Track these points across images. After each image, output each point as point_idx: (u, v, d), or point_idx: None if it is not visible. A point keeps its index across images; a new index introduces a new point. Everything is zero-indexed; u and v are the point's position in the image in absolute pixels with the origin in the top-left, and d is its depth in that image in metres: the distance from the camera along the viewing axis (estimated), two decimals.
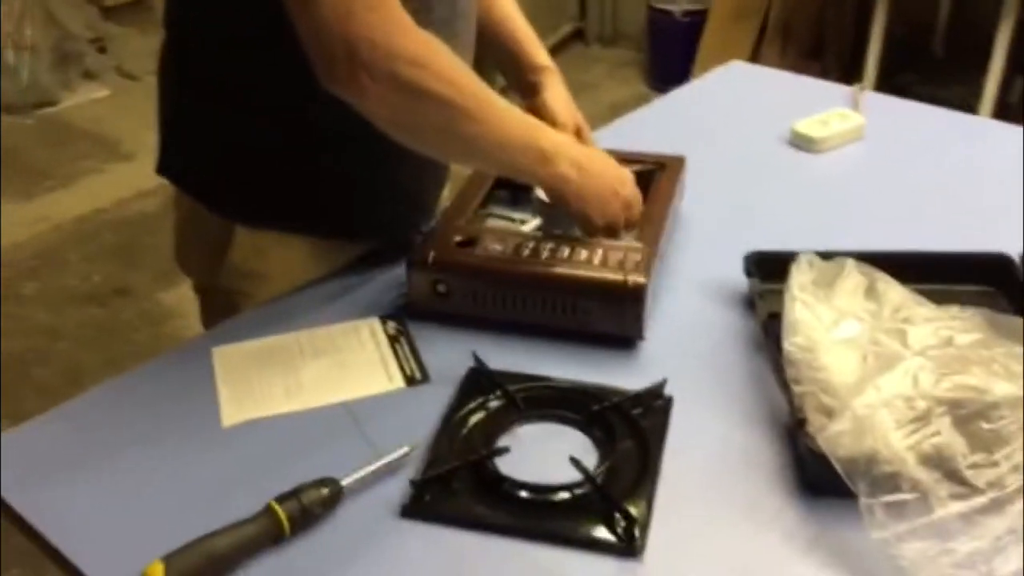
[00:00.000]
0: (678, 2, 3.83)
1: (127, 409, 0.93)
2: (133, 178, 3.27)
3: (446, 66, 0.87)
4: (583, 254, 0.96)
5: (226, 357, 0.97)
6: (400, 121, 0.89)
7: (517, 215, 1.11)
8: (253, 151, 1.02)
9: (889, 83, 3.11)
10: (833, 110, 1.41)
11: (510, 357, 0.94)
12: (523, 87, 1.18)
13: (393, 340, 0.99)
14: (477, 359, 0.92)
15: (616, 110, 3.73)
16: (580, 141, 1.21)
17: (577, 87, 4.37)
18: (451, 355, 0.95)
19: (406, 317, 1.02)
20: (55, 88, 3.83)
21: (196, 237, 1.11)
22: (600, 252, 0.96)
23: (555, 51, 4.25)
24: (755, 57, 3.38)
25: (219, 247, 1.06)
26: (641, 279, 0.93)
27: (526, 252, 0.97)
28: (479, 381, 0.91)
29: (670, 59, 3.81)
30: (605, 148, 1.22)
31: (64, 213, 3.19)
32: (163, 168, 1.10)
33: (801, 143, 1.36)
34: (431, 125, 0.89)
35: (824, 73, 3.31)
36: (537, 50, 1.19)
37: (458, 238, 0.99)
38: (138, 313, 2.72)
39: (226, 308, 1.07)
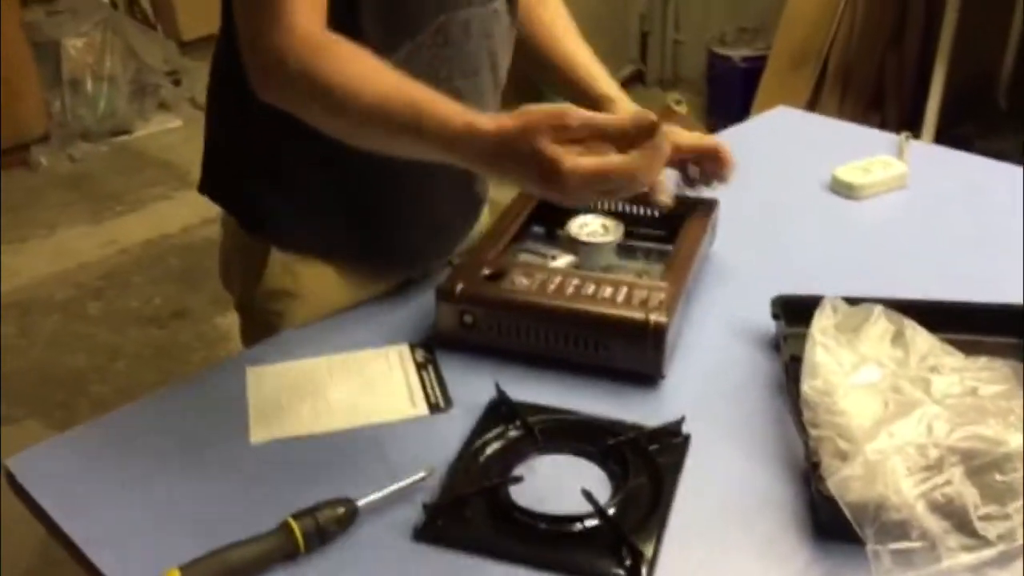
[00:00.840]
0: (737, 47, 3.84)
1: (161, 423, 0.96)
2: (199, 206, 3.35)
3: (324, 73, 0.89)
4: (607, 291, 0.98)
5: (259, 377, 1.01)
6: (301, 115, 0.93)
7: (550, 251, 1.13)
8: (286, 179, 1.06)
9: (949, 135, 3.06)
10: (876, 157, 1.41)
11: (532, 388, 0.96)
12: None
13: (420, 367, 1.01)
14: (499, 390, 0.94)
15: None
16: None
17: None
18: (475, 384, 0.97)
19: (435, 345, 1.04)
20: (131, 117, 3.98)
21: (237, 256, 1.16)
22: (625, 290, 0.98)
23: None
24: (813, 105, 3.37)
25: (257, 267, 1.10)
26: (663, 319, 0.94)
27: (552, 288, 0.99)
28: (500, 411, 0.93)
29: (730, 103, 3.81)
30: None
31: (132, 237, 3.30)
32: (204, 187, 1.15)
33: (841, 189, 1.36)
34: (322, 122, 0.93)
35: (884, 123, 3.28)
36: (601, 82, 1.18)
37: (486, 271, 1.02)
38: (195, 335, 2.80)
39: (263, 327, 1.11)
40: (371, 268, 1.14)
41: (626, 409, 0.93)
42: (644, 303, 0.96)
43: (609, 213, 1.15)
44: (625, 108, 1.15)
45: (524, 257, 1.12)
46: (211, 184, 1.16)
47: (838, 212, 1.34)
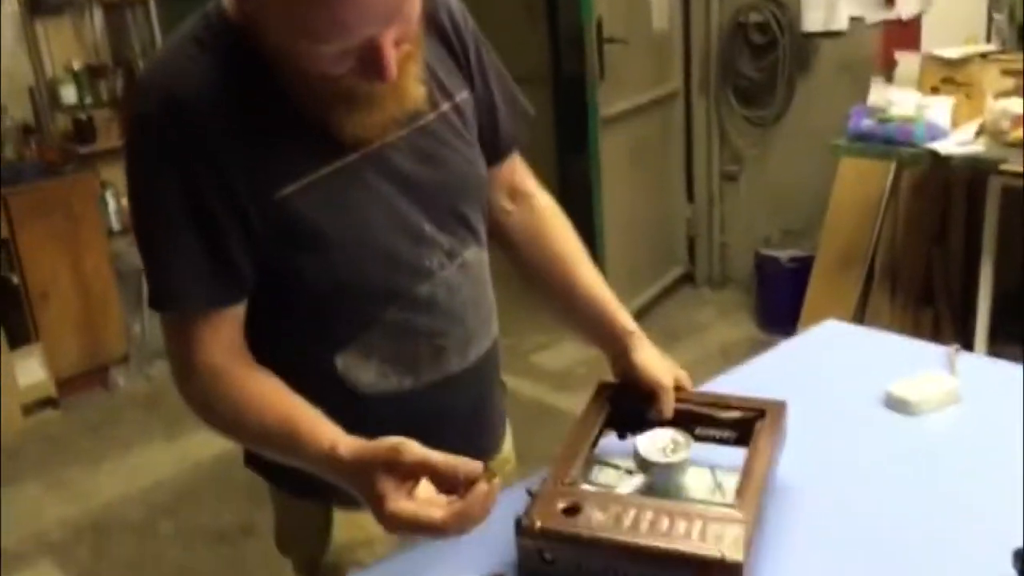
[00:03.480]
0: (784, 248, 3.97)
1: None
2: None
3: (220, 405, 1.04)
4: (682, 527, 1.00)
5: None
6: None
7: (624, 463, 1.18)
8: None
9: (1004, 334, 3.08)
10: (928, 372, 1.46)
11: None
12: (613, 353, 1.25)
13: None
14: None
15: (726, 351, 3.82)
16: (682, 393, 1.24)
17: (688, 329, 4.50)
18: None
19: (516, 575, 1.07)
20: None
21: (298, 524, 1.21)
22: (699, 524, 1.00)
23: (666, 293, 4.42)
24: (864, 303, 3.44)
25: (322, 529, 1.15)
26: (738, 557, 0.96)
27: (627, 523, 1.02)
28: None
29: (779, 303, 3.91)
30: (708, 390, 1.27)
31: (204, 451, 3.40)
32: (249, 461, 1.21)
33: (896, 405, 1.41)
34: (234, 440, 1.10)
35: (936, 320, 3.32)
36: (621, 316, 1.25)
37: (562, 504, 1.05)
38: (262, 552, 2.83)
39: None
40: None
41: None
42: (719, 539, 0.98)
43: (678, 423, 1.19)
44: (645, 344, 1.23)
45: (602, 475, 1.17)
46: (254, 459, 1.20)
47: (895, 428, 1.37)
